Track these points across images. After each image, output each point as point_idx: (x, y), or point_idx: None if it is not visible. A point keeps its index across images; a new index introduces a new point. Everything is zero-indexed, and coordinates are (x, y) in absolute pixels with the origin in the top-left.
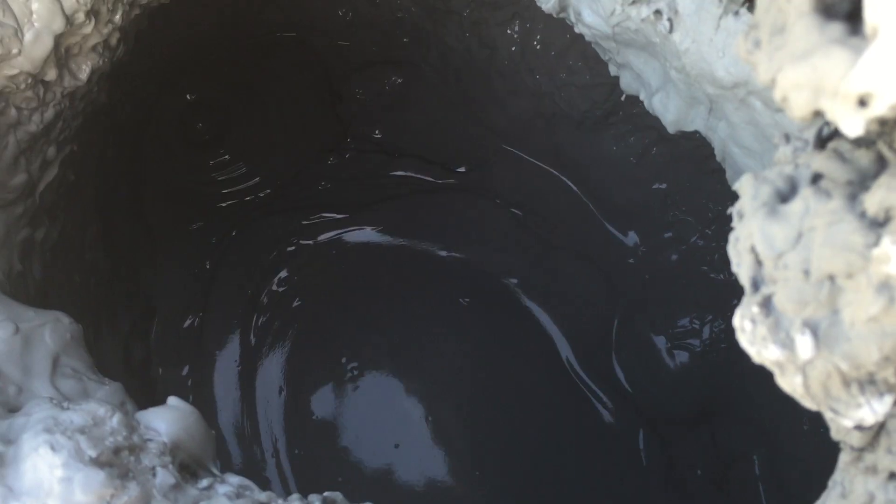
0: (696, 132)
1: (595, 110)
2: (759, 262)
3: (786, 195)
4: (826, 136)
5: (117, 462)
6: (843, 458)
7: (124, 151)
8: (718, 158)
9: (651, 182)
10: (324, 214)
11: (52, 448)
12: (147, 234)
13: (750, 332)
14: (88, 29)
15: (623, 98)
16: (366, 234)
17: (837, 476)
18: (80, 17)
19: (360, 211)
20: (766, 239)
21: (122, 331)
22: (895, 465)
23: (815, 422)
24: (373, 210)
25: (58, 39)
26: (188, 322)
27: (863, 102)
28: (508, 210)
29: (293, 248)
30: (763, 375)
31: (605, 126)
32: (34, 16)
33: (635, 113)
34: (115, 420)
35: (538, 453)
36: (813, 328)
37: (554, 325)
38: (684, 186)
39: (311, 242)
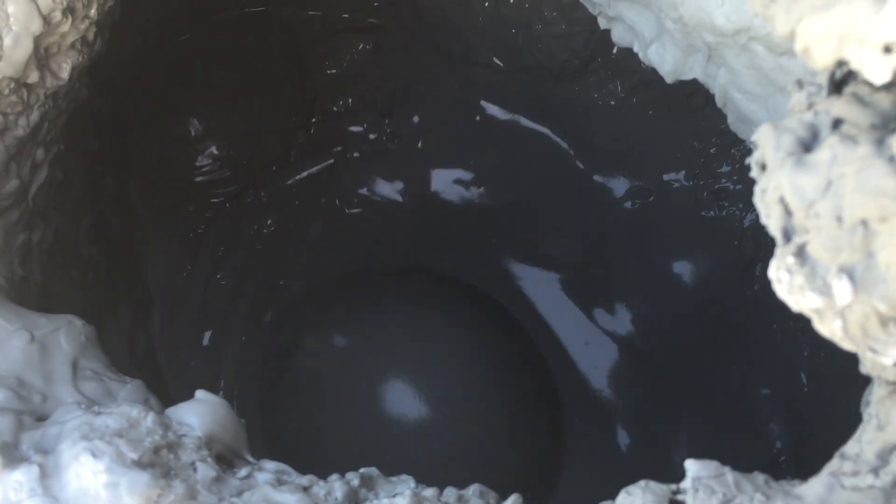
0: (694, 80)
1: (574, 59)
2: (788, 213)
3: (808, 143)
4: (839, 80)
5: (158, 462)
6: (878, 391)
7: (107, 143)
8: (719, 104)
9: (636, 125)
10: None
11: (93, 454)
12: (137, 224)
13: (787, 282)
14: (66, 27)
15: (615, 50)
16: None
17: (872, 409)
18: (57, 15)
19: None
20: (796, 189)
21: (125, 322)
22: None
23: None
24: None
25: (37, 40)
26: (188, 311)
27: (888, 49)
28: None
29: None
30: None
31: (584, 74)
32: (11, 19)
33: (613, 59)
34: (150, 420)
35: None
36: (849, 273)
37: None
38: (668, 127)
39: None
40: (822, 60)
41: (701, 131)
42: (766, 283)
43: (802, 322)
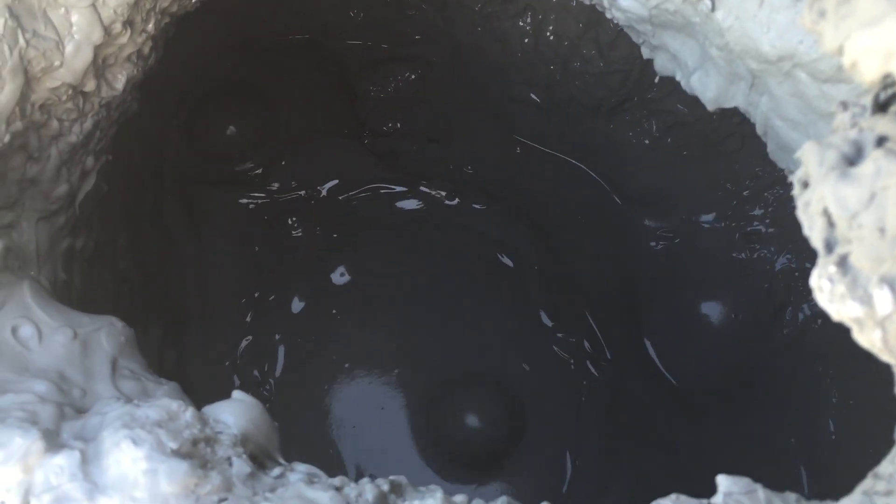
0: (729, 122)
1: (610, 97)
2: (831, 224)
3: (853, 159)
4: (884, 101)
5: (196, 453)
6: None
7: (149, 160)
8: (759, 132)
9: (668, 165)
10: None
11: (134, 442)
12: (170, 244)
13: (828, 290)
14: (124, 39)
15: (653, 90)
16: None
17: None
18: (118, 27)
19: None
20: (839, 201)
21: (156, 337)
22: None
23: None
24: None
25: (96, 50)
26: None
27: None
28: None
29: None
30: None
31: (620, 112)
32: (74, 28)
33: (650, 98)
34: (189, 414)
35: None
36: (890, 283)
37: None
38: (702, 168)
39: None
40: (869, 74)
41: (734, 174)
42: (796, 328)
43: (832, 368)
